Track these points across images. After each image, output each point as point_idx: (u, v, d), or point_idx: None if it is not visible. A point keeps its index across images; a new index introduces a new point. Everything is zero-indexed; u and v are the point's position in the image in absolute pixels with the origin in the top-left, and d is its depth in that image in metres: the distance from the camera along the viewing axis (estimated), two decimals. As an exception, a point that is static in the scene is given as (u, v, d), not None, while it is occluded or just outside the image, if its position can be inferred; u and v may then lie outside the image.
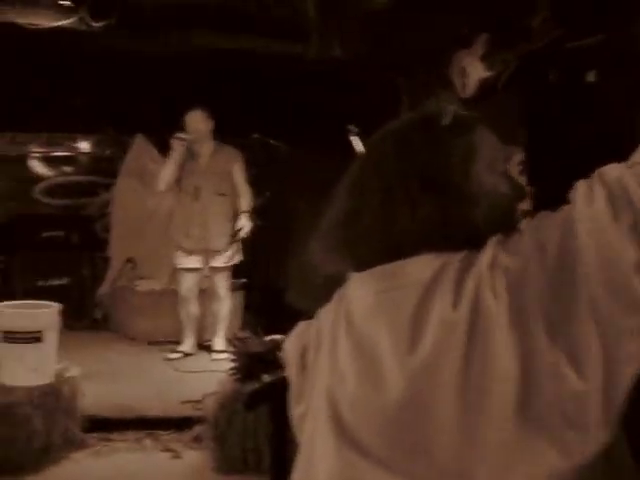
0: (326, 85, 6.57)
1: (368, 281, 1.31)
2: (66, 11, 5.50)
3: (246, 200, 6.39)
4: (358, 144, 5.36)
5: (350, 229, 1.33)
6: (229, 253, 6.38)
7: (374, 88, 6.55)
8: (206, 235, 6.28)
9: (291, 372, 1.57)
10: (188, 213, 6.33)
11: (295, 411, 1.50)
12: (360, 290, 1.32)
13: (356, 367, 1.26)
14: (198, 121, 6.22)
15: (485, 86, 5.66)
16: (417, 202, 1.25)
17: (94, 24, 5.43)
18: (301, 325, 1.67)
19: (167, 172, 6.30)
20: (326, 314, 1.43)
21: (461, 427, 1.13)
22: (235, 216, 6.41)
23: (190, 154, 6.27)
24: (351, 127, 5.40)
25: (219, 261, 6.35)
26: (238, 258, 6.47)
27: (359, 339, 1.28)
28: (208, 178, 6.27)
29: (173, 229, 6.50)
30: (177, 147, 6.20)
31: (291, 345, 1.64)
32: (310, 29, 5.68)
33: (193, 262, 6.38)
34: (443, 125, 1.31)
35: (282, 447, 2.16)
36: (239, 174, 6.37)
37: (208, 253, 6.34)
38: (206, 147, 6.34)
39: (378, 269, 1.29)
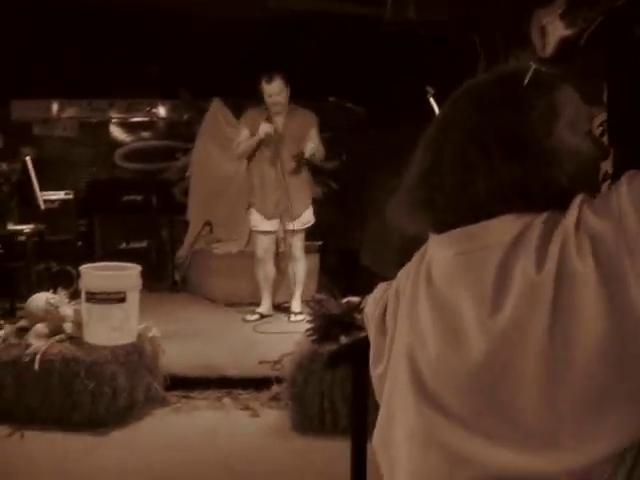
0: (402, 47, 6.50)
1: (448, 243, 1.30)
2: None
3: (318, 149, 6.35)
4: (435, 105, 5.28)
5: (429, 189, 1.32)
6: (304, 215, 6.42)
7: (451, 49, 6.45)
8: (282, 199, 6.32)
9: (371, 333, 1.59)
10: (265, 178, 6.38)
11: (375, 371, 1.52)
12: (440, 252, 1.32)
13: (437, 328, 1.27)
14: (276, 90, 6.19)
15: (566, 45, 5.50)
16: (496, 161, 1.24)
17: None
18: (380, 286, 1.68)
19: (247, 148, 6.35)
20: (406, 275, 1.43)
21: (545, 386, 1.12)
22: (310, 184, 6.46)
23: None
24: (429, 88, 5.31)
25: (295, 224, 6.39)
26: (312, 220, 6.50)
27: (440, 301, 1.28)
28: (284, 143, 6.28)
29: (250, 193, 6.56)
30: (263, 129, 6.18)
31: (371, 306, 1.66)
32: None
33: (269, 225, 6.45)
34: (523, 83, 1.29)
35: (362, 407, 2.18)
36: (315, 137, 6.37)
37: (285, 217, 6.39)
38: (282, 113, 6.34)
39: (458, 231, 1.29)
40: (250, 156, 6.43)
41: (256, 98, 6.31)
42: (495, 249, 1.21)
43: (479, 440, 1.18)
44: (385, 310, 1.53)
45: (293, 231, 6.42)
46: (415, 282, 1.36)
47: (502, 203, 1.24)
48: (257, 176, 6.46)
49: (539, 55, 5.77)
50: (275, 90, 6.18)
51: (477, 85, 1.36)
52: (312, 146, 6.20)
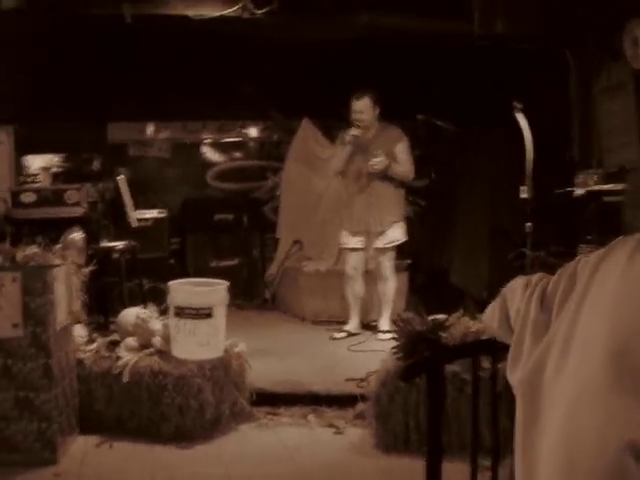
0: (490, 62, 6.44)
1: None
2: (229, 0, 5.68)
3: (402, 167, 6.31)
4: (523, 120, 5.20)
5: None
6: (392, 233, 6.39)
7: (540, 62, 6.35)
8: (370, 218, 6.32)
9: (502, 335, 1.60)
10: (353, 196, 6.40)
11: (513, 377, 1.49)
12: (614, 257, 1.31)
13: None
14: (366, 109, 6.22)
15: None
16: None
17: (257, 11, 5.57)
18: (516, 281, 1.67)
19: (339, 162, 6.42)
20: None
21: None
22: (401, 202, 6.44)
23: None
24: (516, 103, 5.24)
25: (383, 242, 6.38)
26: (402, 238, 6.47)
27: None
28: (370, 159, 6.26)
29: (339, 211, 6.59)
30: (350, 142, 6.25)
31: (494, 309, 1.70)
32: (472, 5, 5.57)
33: (357, 242, 6.45)
34: None
35: (437, 422, 2.14)
36: (402, 153, 6.34)
37: (372, 234, 6.38)
38: (371, 130, 6.35)
39: None
40: (343, 172, 6.45)
41: (345, 118, 6.35)
42: None
43: None
44: (542, 298, 1.49)
45: (381, 249, 6.40)
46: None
47: None
48: (345, 193, 6.49)
49: (632, 66, 5.63)
50: (361, 107, 6.21)
51: None
52: (381, 159, 6.17)
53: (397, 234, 6.43)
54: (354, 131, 6.23)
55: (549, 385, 1.34)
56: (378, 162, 6.18)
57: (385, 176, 6.29)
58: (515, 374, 1.47)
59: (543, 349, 1.39)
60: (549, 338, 1.40)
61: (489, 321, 1.77)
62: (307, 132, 7.85)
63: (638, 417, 1.17)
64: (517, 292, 1.63)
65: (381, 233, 6.34)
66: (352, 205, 6.41)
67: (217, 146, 8.98)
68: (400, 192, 6.50)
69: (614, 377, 1.20)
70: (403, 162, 6.33)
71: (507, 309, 1.68)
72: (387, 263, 6.45)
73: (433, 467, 2.08)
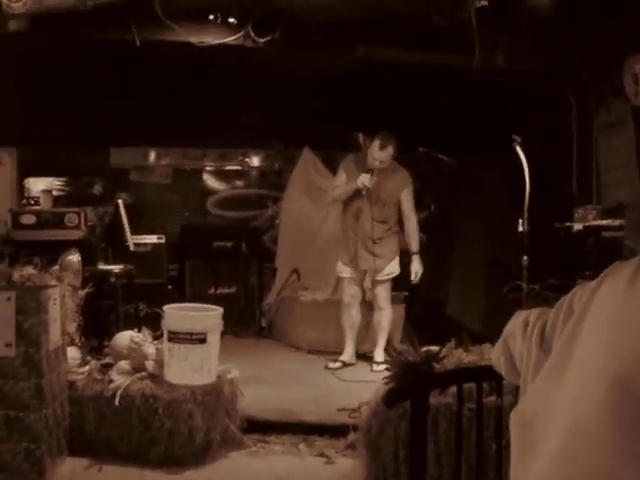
0: (491, 96, 6.48)
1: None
2: (232, 28, 5.74)
3: (415, 239, 6.35)
4: (522, 154, 5.22)
5: None
6: (389, 267, 6.39)
7: (541, 98, 6.39)
8: (365, 255, 6.31)
9: (512, 380, 1.63)
10: (348, 231, 6.39)
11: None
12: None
13: None
14: (387, 159, 6.14)
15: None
16: None
17: (259, 40, 5.63)
18: (518, 315, 1.67)
19: (340, 194, 6.38)
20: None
21: None
22: (396, 239, 6.44)
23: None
24: (515, 137, 5.27)
25: (380, 274, 6.38)
26: (398, 271, 6.46)
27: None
28: (373, 203, 6.23)
29: (336, 243, 6.59)
30: (362, 180, 6.11)
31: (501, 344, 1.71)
32: (473, 40, 5.62)
33: (354, 272, 6.44)
34: None
35: (421, 447, 2.13)
36: (406, 201, 6.33)
37: (369, 268, 6.37)
38: (379, 170, 6.24)
39: None
40: (343, 203, 6.44)
41: (344, 148, 6.37)
42: None
43: None
44: (541, 337, 1.50)
45: (378, 280, 6.40)
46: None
47: None
48: (344, 226, 6.47)
49: (632, 103, 5.66)
50: (384, 157, 6.13)
51: None
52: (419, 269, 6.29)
53: (393, 267, 6.43)
54: (367, 180, 6.09)
55: (543, 413, 1.33)
56: (418, 270, 6.28)
57: (383, 221, 6.30)
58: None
59: (539, 379, 1.40)
60: (545, 367, 1.39)
61: (497, 367, 1.78)
62: (307, 161, 7.89)
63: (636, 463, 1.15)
64: (517, 334, 1.63)
65: (378, 269, 6.34)
66: (348, 241, 6.41)
67: (218, 174, 9.03)
68: (397, 227, 6.49)
69: (613, 414, 1.18)
70: (407, 208, 6.34)
71: (511, 353, 1.67)
72: (383, 294, 6.45)
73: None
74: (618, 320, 1.24)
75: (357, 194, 6.26)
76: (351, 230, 6.37)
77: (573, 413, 1.24)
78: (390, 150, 6.13)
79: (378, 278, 6.39)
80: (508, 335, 1.69)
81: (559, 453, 1.24)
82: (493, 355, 1.78)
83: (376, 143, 6.13)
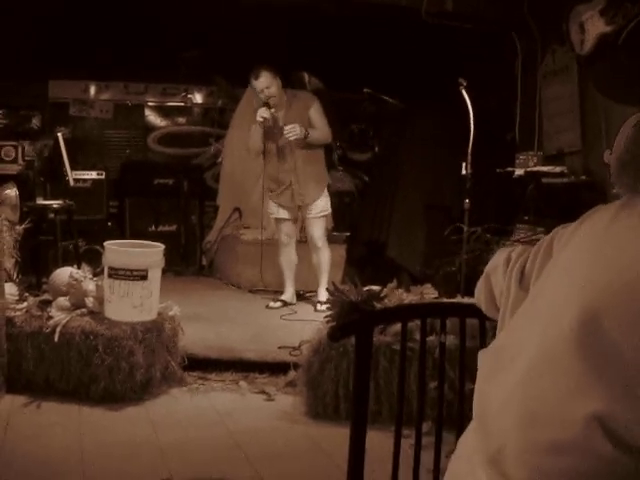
0: (438, 40, 6.46)
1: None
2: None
3: (316, 132, 6.20)
4: (467, 97, 5.24)
5: None
6: (319, 204, 6.36)
7: (487, 43, 6.40)
8: (294, 191, 6.28)
9: (492, 315, 1.69)
10: (275, 172, 6.35)
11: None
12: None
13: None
14: (264, 85, 6.08)
15: (604, 42, 5.41)
16: None
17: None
18: (501, 251, 1.71)
19: (256, 143, 6.30)
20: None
21: None
22: (323, 172, 6.39)
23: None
24: (462, 81, 5.27)
25: (311, 212, 6.35)
26: (328, 209, 6.44)
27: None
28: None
29: (265, 186, 6.55)
30: (260, 114, 6.08)
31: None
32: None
33: (286, 213, 6.42)
34: None
35: (364, 383, 2.15)
36: (316, 115, 6.23)
37: (299, 206, 6.35)
38: (281, 103, 6.20)
39: None
40: (263, 151, 6.36)
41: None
42: None
43: None
44: (521, 275, 1.54)
45: (311, 220, 6.37)
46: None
47: None
48: (268, 170, 6.42)
49: (577, 52, 5.70)
50: (263, 85, 6.08)
51: None
52: (293, 126, 6.06)
53: (324, 205, 6.40)
54: (263, 113, 6.06)
55: (517, 342, 1.38)
56: (291, 129, 6.06)
57: (306, 145, 6.21)
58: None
59: (516, 316, 1.46)
60: (524, 305, 1.43)
61: (478, 302, 1.81)
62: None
63: (600, 389, 1.18)
64: (499, 271, 1.66)
65: (307, 203, 6.31)
66: (277, 181, 6.36)
67: (160, 109, 8.86)
68: (322, 163, 6.45)
69: (579, 344, 1.22)
70: (319, 125, 6.22)
71: (492, 288, 1.71)
72: (319, 232, 6.39)
73: (358, 429, 2.09)
74: (595, 257, 1.29)
75: (271, 134, 6.20)
76: (277, 168, 6.31)
77: (542, 339, 1.29)
78: (267, 75, 6.06)
79: (310, 217, 6.36)
80: (490, 271, 1.73)
81: (525, 373, 1.29)
82: (476, 291, 1.81)
83: (251, 79, 6.12)
